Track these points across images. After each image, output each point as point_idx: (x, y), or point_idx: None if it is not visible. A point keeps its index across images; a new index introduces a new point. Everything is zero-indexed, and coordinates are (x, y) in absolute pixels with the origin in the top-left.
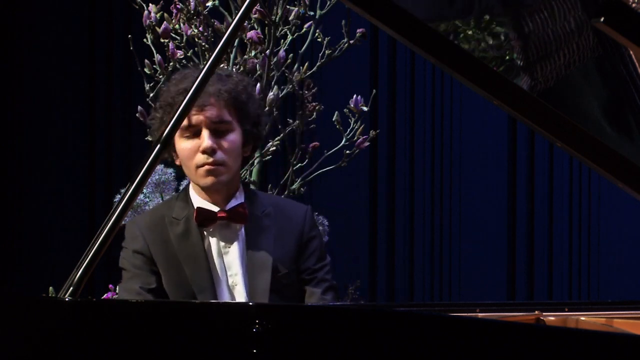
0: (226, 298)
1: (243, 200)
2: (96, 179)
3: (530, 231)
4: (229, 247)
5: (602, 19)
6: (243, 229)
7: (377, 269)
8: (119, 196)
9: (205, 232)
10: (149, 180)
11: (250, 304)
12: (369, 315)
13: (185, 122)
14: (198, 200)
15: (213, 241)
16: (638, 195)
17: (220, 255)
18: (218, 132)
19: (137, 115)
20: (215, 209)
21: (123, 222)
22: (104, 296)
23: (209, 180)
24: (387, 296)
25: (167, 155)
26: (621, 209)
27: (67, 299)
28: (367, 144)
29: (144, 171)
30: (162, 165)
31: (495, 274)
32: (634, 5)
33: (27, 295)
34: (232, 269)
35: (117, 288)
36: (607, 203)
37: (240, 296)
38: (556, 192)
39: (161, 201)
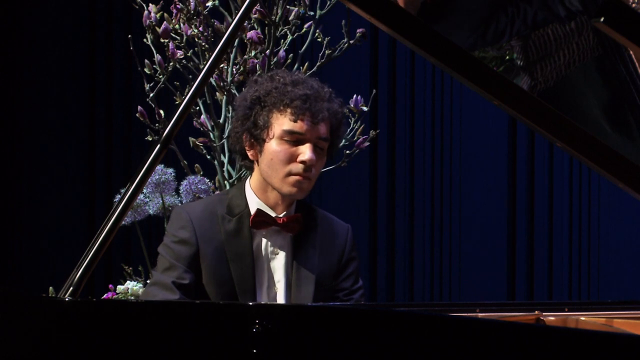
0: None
1: (296, 210)
2: (96, 179)
3: (530, 231)
4: (277, 254)
5: (602, 19)
6: (291, 238)
7: (377, 269)
8: (119, 196)
9: (256, 234)
10: (149, 180)
11: (250, 304)
12: (369, 315)
13: (296, 128)
14: (256, 200)
15: (263, 244)
16: (638, 195)
17: (268, 259)
18: (317, 147)
19: (137, 115)
20: (273, 213)
21: (123, 222)
22: (104, 296)
23: (295, 190)
24: (387, 296)
25: (239, 147)
26: (621, 209)
27: (67, 299)
28: (367, 144)
29: (144, 171)
30: (162, 165)
31: (495, 274)
32: (634, 5)
33: (27, 295)
34: (276, 275)
35: (150, 274)
36: (607, 203)
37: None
38: (556, 192)
39: (161, 201)
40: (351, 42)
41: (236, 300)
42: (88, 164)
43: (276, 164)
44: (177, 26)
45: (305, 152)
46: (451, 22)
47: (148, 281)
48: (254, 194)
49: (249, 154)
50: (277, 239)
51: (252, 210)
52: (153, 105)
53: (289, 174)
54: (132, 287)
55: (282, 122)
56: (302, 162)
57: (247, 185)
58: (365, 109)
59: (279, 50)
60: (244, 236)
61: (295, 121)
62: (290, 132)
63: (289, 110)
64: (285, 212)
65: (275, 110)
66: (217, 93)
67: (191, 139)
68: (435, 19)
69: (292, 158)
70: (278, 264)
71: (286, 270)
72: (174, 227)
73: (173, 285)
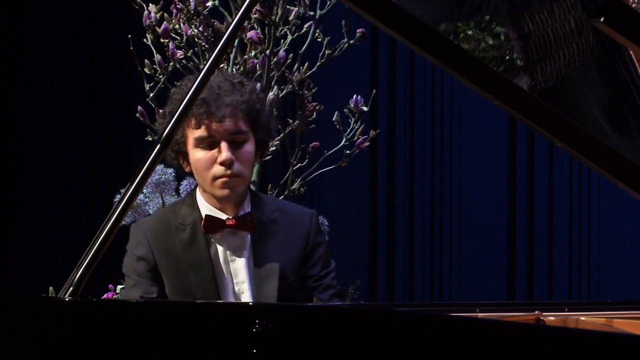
0: None
1: (250, 208)
2: (96, 179)
3: (530, 231)
4: (236, 255)
5: (602, 19)
6: (249, 236)
7: (377, 269)
8: (119, 196)
9: (211, 239)
10: (149, 180)
11: (250, 304)
12: (369, 315)
13: (202, 133)
14: (206, 207)
15: (220, 248)
16: (638, 195)
17: (227, 262)
18: (235, 143)
19: (137, 115)
20: (224, 216)
21: (123, 222)
22: (104, 296)
23: (226, 192)
24: (387, 296)
25: (176, 162)
26: (621, 209)
27: (67, 299)
28: (367, 144)
29: (144, 171)
30: (162, 165)
31: (495, 274)
32: (634, 5)
33: (27, 295)
34: (238, 276)
35: (120, 291)
36: (607, 203)
37: None
38: (556, 192)
39: (161, 201)
40: (351, 42)
41: None
42: (88, 164)
43: (200, 172)
44: (177, 26)
45: (222, 152)
46: None
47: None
48: (203, 200)
49: (184, 166)
50: (234, 240)
51: (203, 217)
52: (153, 105)
53: (214, 178)
54: None
55: (191, 132)
56: (221, 163)
57: (197, 192)
58: (365, 109)
59: (279, 50)
60: (200, 243)
61: (199, 127)
62: (200, 139)
63: (192, 120)
64: (235, 213)
65: (184, 123)
66: None
67: None
68: None
69: (211, 162)
70: (239, 265)
71: (248, 270)
72: (131, 245)
73: (141, 299)
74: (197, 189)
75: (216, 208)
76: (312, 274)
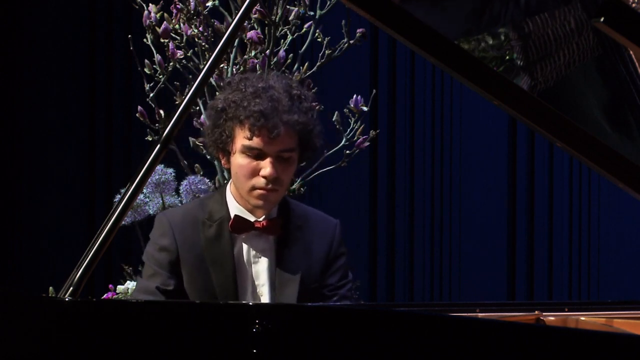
0: None
1: (277, 212)
2: (96, 179)
3: (530, 231)
4: (259, 257)
5: (602, 19)
6: (273, 240)
7: (377, 269)
8: (119, 196)
9: (236, 239)
10: (149, 180)
11: (250, 304)
12: (369, 315)
13: (252, 144)
14: (236, 206)
15: (244, 249)
16: (638, 195)
17: (250, 263)
18: (282, 159)
19: (137, 115)
20: (252, 218)
21: (123, 222)
22: (104, 296)
23: (260, 202)
24: (387, 296)
25: (214, 154)
26: (621, 209)
27: (67, 299)
28: (367, 144)
29: (144, 171)
30: (162, 165)
31: (495, 274)
32: (634, 5)
33: (27, 295)
34: (260, 278)
35: (137, 279)
36: (607, 203)
37: None
38: (556, 192)
39: (161, 201)
40: (351, 42)
41: None
42: (88, 164)
43: (240, 177)
44: (177, 26)
45: (266, 167)
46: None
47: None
48: (233, 198)
49: (222, 161)
50: (258, 242)
51: (232, 216)
52: (153, 105)
53: (253, 188)
54: (132, 287)
55: (241, 138)
56: (264, 177)
57: (227, 190)
58: (365, 109)
59: (279, 50)
60: (225, 241)
61: (251, 138)
62: (249, 148)
63: (246, 126)
64: (265, 216)
65: (236, 123)
66: (217, 93)
67: (191, 139)
68: (431, 4)
69: (254, 172)
70: (261, 267)
71: (270, 273)
72: (155, 234)
73: (157, 290)
74: (229, 187)
75: (245, 209)
76: (330, 282)
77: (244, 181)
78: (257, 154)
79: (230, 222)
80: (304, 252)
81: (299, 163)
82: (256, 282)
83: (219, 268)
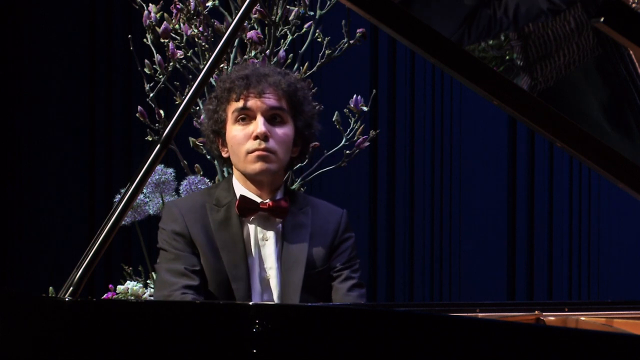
0: (258, 290)
1: (283, 195)
2: (96, 179)
3: (530, 231)
4: (267, 240)
5: (602, 19)
6: (280, 224)
7: (377, 269)
8: (119, 196)
9: (245, 222)
10: (149, 180)
11: (250, 304)
12: (369, 315)
13: (240, 105)
14: (241, 189)
15: (252, 232)
16: (638, 195)
17: (258, 246)
18: (273, 120)
19: (137, 115)
20: (258, 199)
21: (123, 222)
22: (104, 296)
23: (258, 166)
24: (387, 296)
25: (215, 147)
26: (621, 209)
27: (67, 299)
28: (367, 144)
29: (144, 171)
30: (162, 165)
31: (495, 274)
32: (634, 5)
33: (27, 295)
34: (267, 262)
35: (155, 268)
36: (607, 203)
37: (274, 289)
38: (556, 191)
39: (161, 201)
40: (351, 42)
41: (229, 288)
42: (88, 164)
43: (236, 147)
44: (177, 26)
45: (257, 126)
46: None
47: (148, 281)
48: (239, 184)
49: (222, 152)
50: (266, 225)
51: (238, 197)
52: (153, 105)
53: (247, 152)
54: (132, 287)
55: (231, 107)
56: (256, 136)
57: (233, 178)
58: (365, 109)
59: (279, 50)
60: (234, 224)
61: (238, 100)
62: (237, 111)
63: (233, 95)
64: (270, 198)
65: (225, 101)
66: None
67: (191, 139)
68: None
69: (247, 136)
70: (269, 250)
71: (277, 256)
72: (165, 222)
73: (186, 270)
74: (234, 172)
75: (251, 191)
76: (335, 264)
77: (239, 149)
78: (245, 115)
79: (236, 204)
80: (311, 237)
81: (300, 140)
82: (264, 266)
83: (229, 251)
